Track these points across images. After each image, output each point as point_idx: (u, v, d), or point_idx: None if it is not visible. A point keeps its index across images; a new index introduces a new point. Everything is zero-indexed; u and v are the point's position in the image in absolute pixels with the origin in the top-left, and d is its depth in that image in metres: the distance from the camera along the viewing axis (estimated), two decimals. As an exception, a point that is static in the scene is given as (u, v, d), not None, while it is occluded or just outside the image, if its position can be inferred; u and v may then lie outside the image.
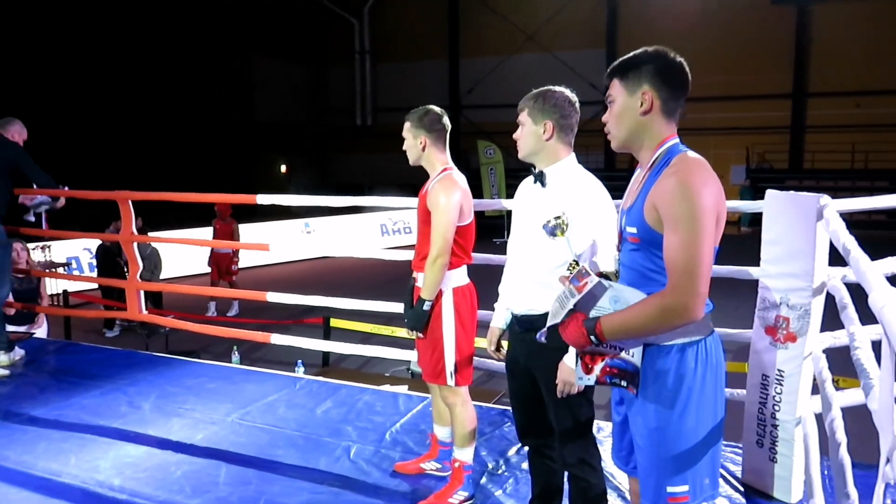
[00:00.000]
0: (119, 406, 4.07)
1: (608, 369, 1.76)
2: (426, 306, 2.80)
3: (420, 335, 2.88)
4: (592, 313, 1.70)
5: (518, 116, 2.37)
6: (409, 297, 2.97)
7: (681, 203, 1.61)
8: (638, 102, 1.76)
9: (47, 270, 8.48)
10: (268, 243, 5.27)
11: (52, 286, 9.39)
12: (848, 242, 2.03)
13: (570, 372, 2.11)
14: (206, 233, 10.33)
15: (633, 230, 1.76)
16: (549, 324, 1.77)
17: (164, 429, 3.74)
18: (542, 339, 1.81)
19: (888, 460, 1.31)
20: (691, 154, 1.72)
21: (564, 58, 22.55)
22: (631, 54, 1.80)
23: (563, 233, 1.72)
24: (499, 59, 23.92)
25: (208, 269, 9.96)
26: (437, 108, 2.91)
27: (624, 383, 1.77)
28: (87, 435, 3.64)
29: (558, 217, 1.72)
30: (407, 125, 2.90)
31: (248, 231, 11.58)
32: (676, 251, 1.61)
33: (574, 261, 1.75)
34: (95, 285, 9.49)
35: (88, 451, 3.45)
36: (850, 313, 2.24)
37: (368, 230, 16.02)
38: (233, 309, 9.81)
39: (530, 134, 2.34)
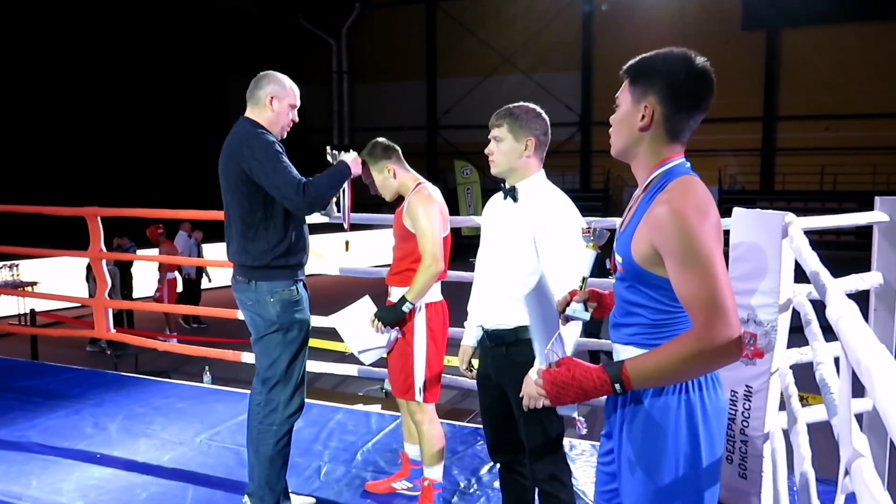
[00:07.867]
0: (84, 427, 3.98)
1: None
2: (406, 307, 2.75)
3: (388, 333, 2.82)
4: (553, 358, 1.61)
5: (492, 132, 2.34)
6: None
7: (679, 236, 1.41)
8: (639, 115, 1.53)
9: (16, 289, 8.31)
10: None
11: (21, 306, 9.25)
12: (810, 258, 2.06)
13: (535, 386, 2.11)
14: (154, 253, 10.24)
15: (619, 259, 1.58)
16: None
17: (130, 450, 3.66)
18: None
19: (847, 472, 1.33)
20: (690, 177, 1.51)
21: (541, 80, 22.83)
22: (650, 54, 1.56)
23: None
24: (476, 81, 24.13)
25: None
26: (378, 139, 2.99)
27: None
28: (51, 457, 3.56)
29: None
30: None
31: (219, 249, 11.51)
32: (693, 289, 1.40)
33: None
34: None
35: (51, 473, 3.37)
36: (814, 329, 2.26)
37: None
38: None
39: (511, 150, 2.30)
